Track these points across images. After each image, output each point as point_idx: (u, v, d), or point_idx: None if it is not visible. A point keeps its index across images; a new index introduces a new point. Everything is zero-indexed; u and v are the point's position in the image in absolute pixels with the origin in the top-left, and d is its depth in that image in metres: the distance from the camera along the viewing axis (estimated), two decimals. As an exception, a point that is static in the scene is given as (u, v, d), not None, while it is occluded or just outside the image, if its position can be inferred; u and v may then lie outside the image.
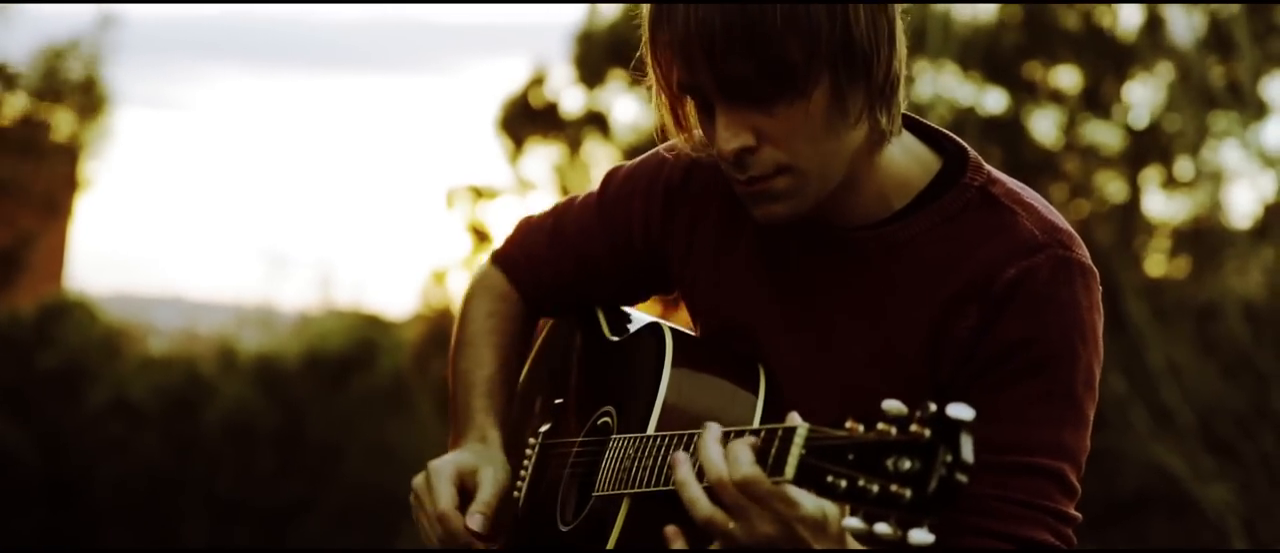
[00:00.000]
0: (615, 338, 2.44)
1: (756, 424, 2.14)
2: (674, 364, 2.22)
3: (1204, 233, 12.45)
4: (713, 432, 1.97)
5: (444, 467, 2.35)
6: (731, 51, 1.99)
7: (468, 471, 2.35)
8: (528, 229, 2.54)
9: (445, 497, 2.32)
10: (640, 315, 2.47)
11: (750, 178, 2.07)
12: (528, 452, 2.51)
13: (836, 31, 1.98)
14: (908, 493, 1.72)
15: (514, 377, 2.53)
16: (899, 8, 2.06)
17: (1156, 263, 13.71)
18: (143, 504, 14.29)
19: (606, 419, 2.35)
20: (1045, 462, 2.05)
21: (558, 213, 2.51)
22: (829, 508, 1.90)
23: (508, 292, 2.54)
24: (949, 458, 1.70)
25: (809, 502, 1.89)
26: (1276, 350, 9.33)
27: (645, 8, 2.09)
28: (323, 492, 14.54)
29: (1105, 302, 2.12)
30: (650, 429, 2.17)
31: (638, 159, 2.42)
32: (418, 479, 2.37)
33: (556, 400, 2.50)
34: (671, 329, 2.30)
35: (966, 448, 1.71)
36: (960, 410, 1.71)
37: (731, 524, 1.92)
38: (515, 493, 2.46)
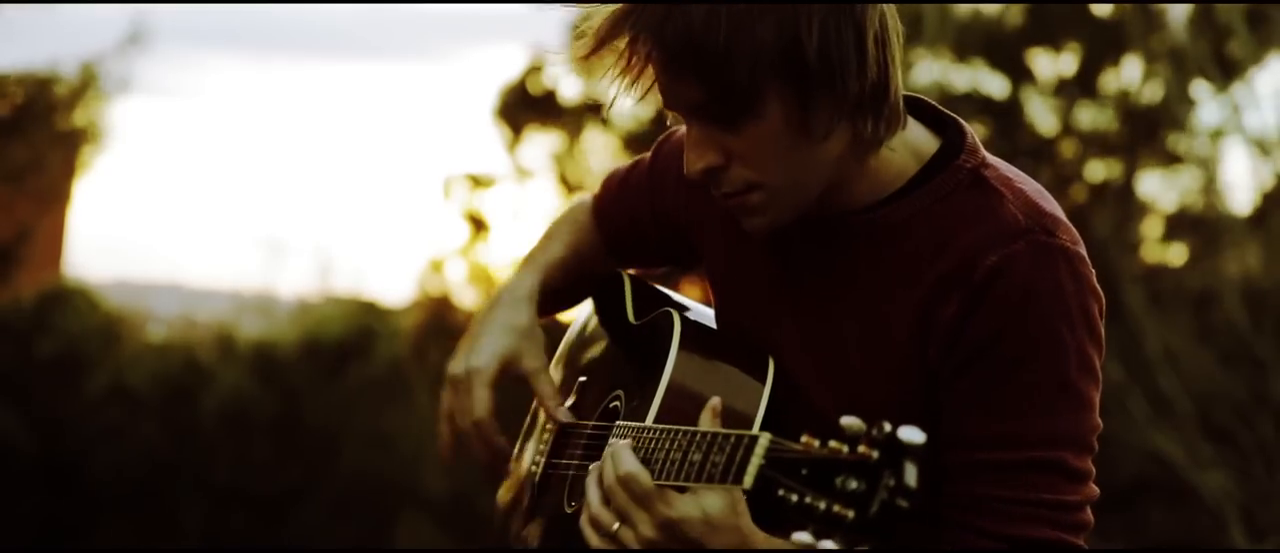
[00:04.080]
0: (635, 320, 2.46)
1: (761, 414, 2.15)
2: (680, 352, 2.22)
3: (1202, 219, 12.44)
4: (625, 443, 2.00)
5: (484, 370, 2.37)
6: (680, 78, 1.98)
7: (511, 358, 2.39)
8: (608, 180, 2.58)
9: (483, 403, 2.35)
10: (664, 297, 2.49)
11: (723, 194, 2.08)
12: (548, 428, 2.52)
13: (785, 48, 1.94)
14: (850, 514, 1.73)
15: (578, 269, 2.55)
16: (885, 9, 2.02)
17: (1153, 249, 13.70)
18: (141, 491, 14.30)
19: (616, 403, 2.37)
20: (1041, 454, 2.03)
21: (630, 168, 2.54)
22: (714, 503, 1.93)
23: (595, 227, 2.58)
24: (891, 483, 1.71)
25: (684, 503, 1.92)
26: (1275, 337, 9.33)
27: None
28: (320, 479, 14.53)
29: (1102, 289, 2.11)
30: (650, 417, 2.17)
31: None
32: (456, 369, 2.38)
33: (581, 378, 2.52)
34: (683, 317, 2.30)
35: (910, 474, 1.71)
36: (911, 434, 1.72)
37: (615, 525, 1.97)
38: (532, 467, 2.48)
